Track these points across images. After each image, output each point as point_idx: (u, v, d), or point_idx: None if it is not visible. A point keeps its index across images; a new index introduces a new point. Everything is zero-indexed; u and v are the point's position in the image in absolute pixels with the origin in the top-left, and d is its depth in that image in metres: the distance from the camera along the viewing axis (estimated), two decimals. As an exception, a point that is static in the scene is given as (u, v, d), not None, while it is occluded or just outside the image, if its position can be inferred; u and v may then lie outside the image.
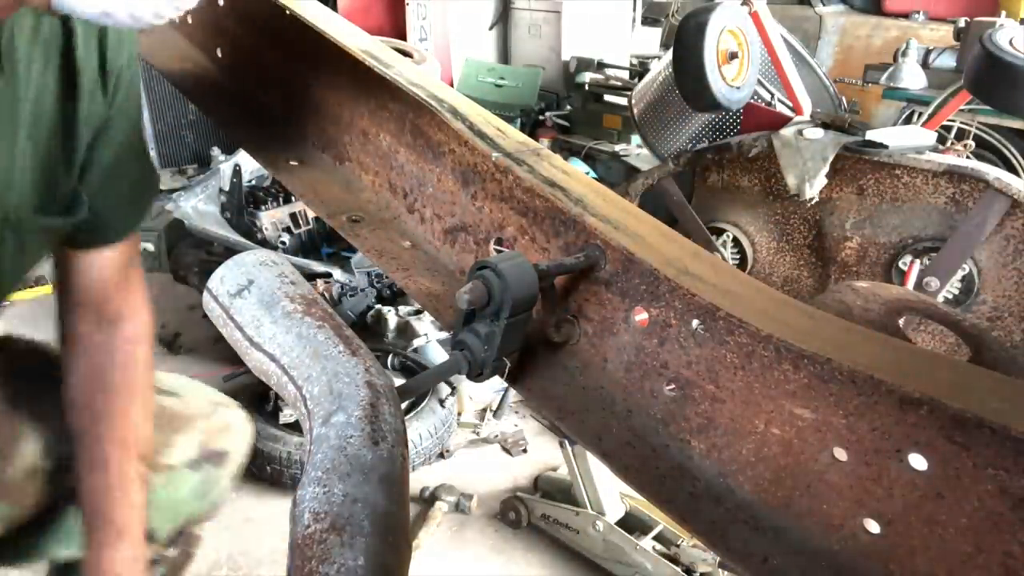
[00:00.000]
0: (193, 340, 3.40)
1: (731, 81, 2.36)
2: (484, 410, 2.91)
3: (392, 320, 2.94)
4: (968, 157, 2.30)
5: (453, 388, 2.64)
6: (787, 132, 2.30)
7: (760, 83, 2.64)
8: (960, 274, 2.16)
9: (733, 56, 2.38)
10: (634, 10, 5.24)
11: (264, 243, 3.46)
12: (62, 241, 1.03)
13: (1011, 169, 3.74)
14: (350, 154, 1.12)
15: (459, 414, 2.77)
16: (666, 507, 0.69)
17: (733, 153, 2.45)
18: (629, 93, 3.25)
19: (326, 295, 3.03)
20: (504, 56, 5.34)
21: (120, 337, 1.10)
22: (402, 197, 1.04)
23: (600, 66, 4.61)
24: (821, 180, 2.22)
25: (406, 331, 2.91)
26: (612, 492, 2.26)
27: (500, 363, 0.77)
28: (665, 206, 2.62)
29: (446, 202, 0.97)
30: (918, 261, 2.20)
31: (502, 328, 0.73)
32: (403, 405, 0.75)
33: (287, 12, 1.12)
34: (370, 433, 0.64)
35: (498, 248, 0.91)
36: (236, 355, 0.82)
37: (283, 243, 3.51)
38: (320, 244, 3.68)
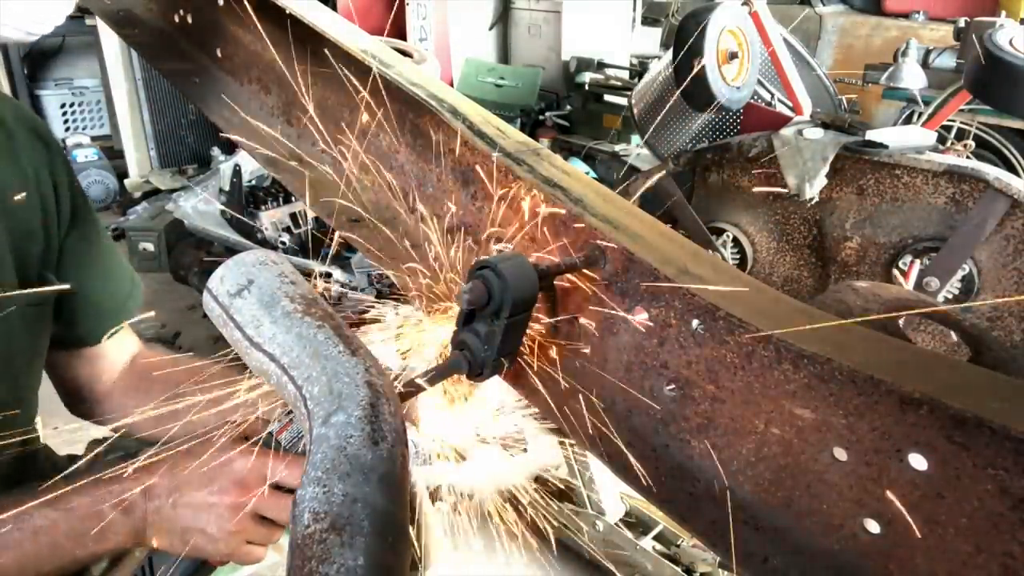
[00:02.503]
0: (193, 340, 3.40)
1: (731, 81, 2.36)
2: (484, 410, 2.90)
3: (392, 320, 2.94)
4: (968, 157, 2.29)
5: (453, 388, 2.64)
6: (787, 132, 2.30)
7: (760, 83, 2.64)
8: (960, 274, 2.16)
9: (733, 56, 2.38)
10: (634, 10, 5.24)
11: (264, 243, 3.47)
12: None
13: (1011, 169, 3.74)
14: (350, 154, 1.12)
15: (459, 414, 2.77)
16: (666, 507, 0.69)
17: (733, 153, 2.45)
18: (629, 93, 3.25)
19: (326, 295, 3.03)
20: (504, 56, 5.34)
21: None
22: (402, 197, 1.04)
23: (600, 66, 4.61)
24: (821, 180, 2.22)
25: (406, 331, 2.90)
26: (612, 492, 2.26)
27: (500, 363, 0.77)
28: (665, 206, 2.62)
29: (446, 202, 0.97)
30: (918, 261, 2.20)
31: (502, 328, 0.73)
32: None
33: (287, 12, 1.12)
34: (370, 433, 0.64)
35: (498, 248, 0.91)
36: (236, 355, 0.81)
37: (283, 243, 3.51)
38: (320, 244, 3.69)
